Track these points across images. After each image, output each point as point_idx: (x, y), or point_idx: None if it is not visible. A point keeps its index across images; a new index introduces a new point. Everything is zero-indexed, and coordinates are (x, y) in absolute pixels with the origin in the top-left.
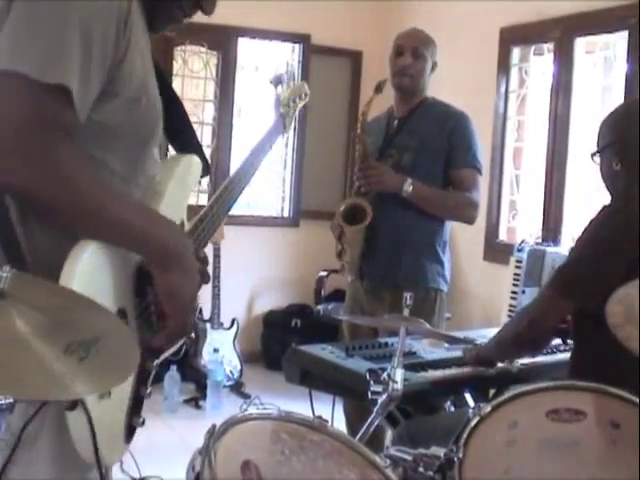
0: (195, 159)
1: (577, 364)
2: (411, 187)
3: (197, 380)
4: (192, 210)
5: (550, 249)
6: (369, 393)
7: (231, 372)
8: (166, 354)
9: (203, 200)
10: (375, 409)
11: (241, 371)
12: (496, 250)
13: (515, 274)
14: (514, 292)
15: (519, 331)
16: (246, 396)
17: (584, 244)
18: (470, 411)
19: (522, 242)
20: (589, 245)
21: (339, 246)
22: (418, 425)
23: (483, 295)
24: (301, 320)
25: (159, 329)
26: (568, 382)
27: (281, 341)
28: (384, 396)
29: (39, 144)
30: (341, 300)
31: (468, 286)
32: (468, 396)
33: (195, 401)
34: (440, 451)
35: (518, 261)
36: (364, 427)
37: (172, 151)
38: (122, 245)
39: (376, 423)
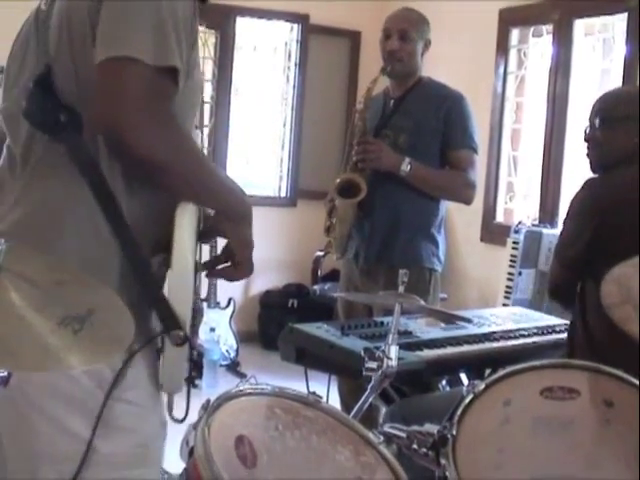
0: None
1: (576, 338)
2: (409, 166)
3: (192, 358)
4: None
5: (547, 231)
6: (363, 370)
7: (227, 351)
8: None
9: None
10: (369, 386)
11: (237, 350)
12: (493, 231)
13: (512, 255)
14: (510, 273)
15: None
16: (242, 375)
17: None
18: (464, 389)
19: (519, 224)
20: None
21: (328, 221)
22: (412, 404)
23: (480, 276)
24: (298, 300)
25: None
26: (562, 360)
27: (278, 321)
28: (378, 373)
29: (160, 115)
30: (337, 280)
31: (465, 267)
32: (463, 376)
33: (191, 380)
34: (434, 428)
35: (515, 242)
36: (358, 404)
37: None
38: (209, 204)
39: (370, 400)
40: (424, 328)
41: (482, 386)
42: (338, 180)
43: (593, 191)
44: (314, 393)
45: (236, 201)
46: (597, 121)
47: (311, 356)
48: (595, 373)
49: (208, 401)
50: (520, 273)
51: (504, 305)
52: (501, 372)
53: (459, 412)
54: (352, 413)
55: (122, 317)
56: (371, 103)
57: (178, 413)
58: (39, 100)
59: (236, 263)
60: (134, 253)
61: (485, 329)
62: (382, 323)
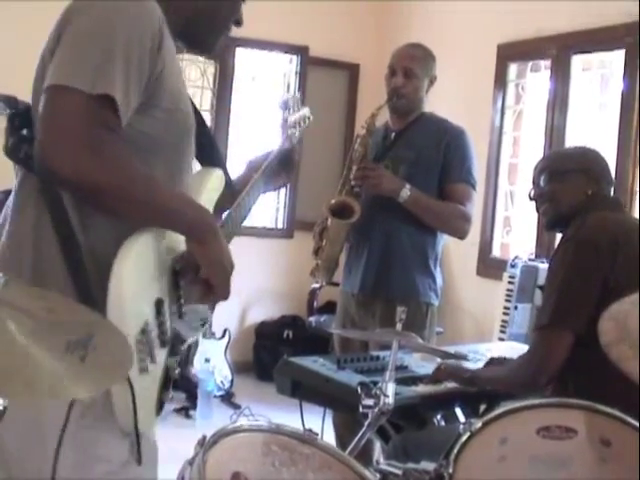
0: (220, 173)
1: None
2: (409, 193)
3: (188, 389)
4: None
5: (543, 265)
6: (360, 407)
7: (222, 382)
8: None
9: None
10: (366, 423)
11: (232, 381)
12: (489, 265)
13: (508, 290)
14: (507, 308)
15: (523, 374)
16: (236, 406)
17: (557, 277)
18: (461, 426)
19: (515, 258)
20: (561, 275)
21: (318, 243)
22: (412, 439)
23: (476, 310)
24: (293, 331)
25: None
26: (559, 399)
27: (273, 352)
28: (375, 410)
29: (96, 141)
30: (333, 312)
31: (461, 301)
32: (458, 411)
33: (185, 410)
34: (430, 466)
35: (511, 277)
36: (355, 440)
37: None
38: (164, 225)
39: (367, 437)
40: (419, 363)
41: (479, 424)
42: (332, 201)
43: (586, 241)
44: (310, 430)
45: (195, 218)
46: (543, 177)
47: (306, 389)
48: (592, 412)
49: (204, 437)
50: (516, 307)
51: (500, 339)
52: (498, 410)
53: (456, 450)
54: (348, 449)
55: (119, 340)
56: (372, 134)
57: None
58: (12, 134)
59: (212, 286)
60: (86, 294)
61: (481, 365)
62: (378, 357)
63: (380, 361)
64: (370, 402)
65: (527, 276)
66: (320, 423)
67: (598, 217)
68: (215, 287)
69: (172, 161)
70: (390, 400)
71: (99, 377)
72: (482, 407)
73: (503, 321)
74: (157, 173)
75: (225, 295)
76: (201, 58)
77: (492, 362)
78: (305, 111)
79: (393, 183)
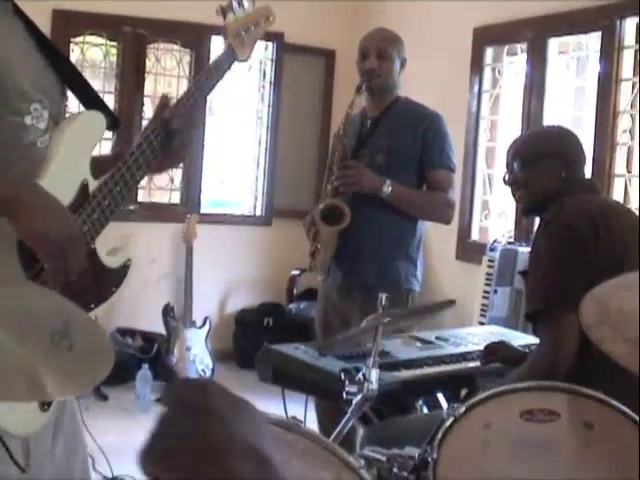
0: (93, 114)
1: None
2: (390, 188)
3: (169, 379)
4: None
5: (522, 249)
6: (344, 393)
7: (203, 371)
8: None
9: None
10: (350, 409)
11: (213, 370)
12: (468, 249)
13: (487, 274)
14: (486, 291)
15: (544, 365)
16: None
17: (544, 263)
18: (444, 411)
19: (494, 242)
20: (547, 261)
21: (313, 246)
22: (390, 426)
23: (455, 294)
24: (273, 319)
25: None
26: (542, 382)
27: (253, 340)
28: (359, 396)
29: None
30: (313, 299)
31: (440, 285)
32: (440, 396)
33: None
34: (414, 451)
35: (490, 260)
36: (338, 427)
37: None
38: None
39: (350, 424)
40: (401, 348)
41: (462, 409)
42: (321, 206)
43: (567, 225)
44: (294, 417)
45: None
46: (516, 163)
47: (288, 377)
48: (575, 395)
49: None
50: (496, 291)
51: (480, 323)
52: (481, 395)
53: (439, 435)
54: (332, 436)
55: (91, 325)
56: (349, 123)
57: None
58: None
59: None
60: None
61: (462, 349)
62: (359, 343)
63: (362, 347)
64: (354, 389)
65: (506, 260)
66: (302, 410)
67: (576, 201)
68: (44, 261)
69: None
70: (374, 386)
71: (93, 364)
72: (463, 392)
73: (483, 305)
74: None
75: (56, 270)
76: (176, 47)
77: (489, 349)
78: (256, 12)
79: (374, 180)
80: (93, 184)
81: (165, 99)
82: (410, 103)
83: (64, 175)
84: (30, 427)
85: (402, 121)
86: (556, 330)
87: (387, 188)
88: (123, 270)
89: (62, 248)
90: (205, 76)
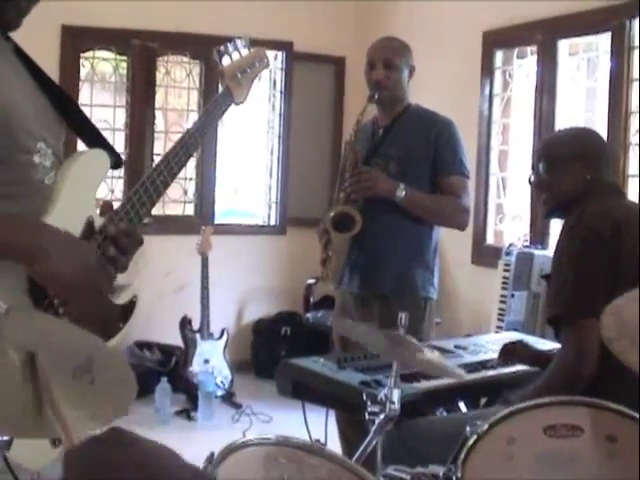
0: (97, 152)
1: None
2: (404, 192)
3: (188, 391)
4: None
5: (538, 252)
6: (366, 414)
7: (222, 382)
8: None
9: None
10: (372, 429)
11: (232, 381)
12: (484, 254)
13: (504, 277)
14: (503, 296)
15: (566, 372)
16: (237, 406)
17: (566, 267)
18: (467, 429)
19: (510, 245)
20: (570, 265)
21: (324, 254)
22: (410, 430)
23: (472, 299)
24: (290, 328)
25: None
26: (564, 398)
27: (271, 349)
28: (381, 416)
29: None
30: (330, 307)
31: (457, 290)
32: (462, 404)
33: (187, 412)
34: (439, 470)
35: (506, 264)
36: (361, 448)
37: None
38: None
39: (373, 444)
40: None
41: (485, 426)
42: (332, 214)
43: (590, 228)
44: (318, 440)
45: (11, 246)
46: (541, 165)
47: (308, 390)
48: (597, 409)
49: (212, 454)
50: (513, 295)
51: (498, 327)
52: (503, 412)
53: (463, 453)
54: (355, 456)
55: (116, 357)
56: (360, 132)
57: None
58: None
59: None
60: None
61: (481, 356)
62: (378, 355)
63: (380, 359)
64: (376, 409)
65: (523, 263)
66: (323, 420)
67: (599, 204)
68: (68, 302)
69: None
70: (396, 406)
71: (112, 400)
72: (483, 400)
73: (500, 309)
74: None
75: (82, 307)
76: (186, 59)
77: (506, 349)
78: (252, 55)
79: (387, 184)
80: (98, 221)
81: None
82: (421, 110)
83: (70, 212)
84: (41, 462)
85: (413, 129)
86: (579, 334)
87: (401, 192)
88: (130, 306)
89: (82, 283)
90: (204, 118)
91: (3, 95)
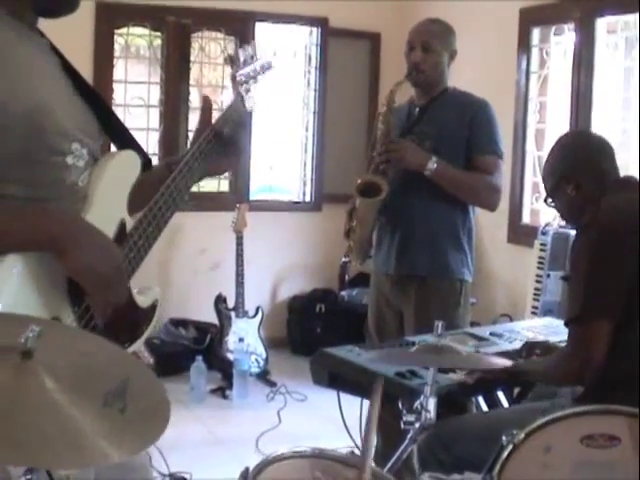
0: (129, 154)
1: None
2: (435, 165)
3: (223, 369)
4: None
5: (574, 232)
6: (402, 423)
7: (256, 360)
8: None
9: None
10: (408, 437)
11: (266, 359)
12: (520, 233)
13: (540, 257)
14: (539, 275)
15: (567, 370)
16: (272, 384)
17: (582, 267)
18: (503, 439)
19: (546, 225)
20: (586, 265)
21: (348, 224)
22: (449, 427)
23: (508, 278)
24: (325, 305)
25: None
26: (602, 407)
27: (305, 327)
28: (417, 425)
29: None
30: (365, 285)
31: (492, 270)
32: (500, 394)
33: (222, 391)
34: (474, 477)
35: (542, 244)
36: (396, 455)
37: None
38: (9, 250)
39: (409, 451)
40: (455, 347)
41: (522, 435)
42: (359, 181)
43: (604, 228)
44: (352, 452)
45: (45, 232)
46: (545, 189)
47: (343, 380)
48: (635, 418)
49: (247, 469)
50: (549, 275)
51: (533, 308)
52: (540, 420)
53: (499, 463)
54: (389, 464)
55: (154, 383)
56: (396, 112)
57: None
58: None
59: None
60: None
61: (517, 344)
62: (414, 343)
63: (416, 347)
64: (412, 418)
65: (559, 243)
66: (357, 400)
67: (614, 201)
68: (89, 295)
69: (26, 172)
70: (432, 415)
71: (141, 430)
72: (516, 391)
73: (536, 289)
74: (10, 191)
75: (103, 303)
76: (220, 35)
77: (529, 346)
78: (260, 62)
79: (418, 156)
80: (130, 223)
81: (207, 102)
82: (458, 92)
83: (104, 214)
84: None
85: (450, 109)
86: (584, 335)
87: (432, 165)
88: (152, 310)
89: (109, 281)
90: (222, 121)
91: (38, 95)
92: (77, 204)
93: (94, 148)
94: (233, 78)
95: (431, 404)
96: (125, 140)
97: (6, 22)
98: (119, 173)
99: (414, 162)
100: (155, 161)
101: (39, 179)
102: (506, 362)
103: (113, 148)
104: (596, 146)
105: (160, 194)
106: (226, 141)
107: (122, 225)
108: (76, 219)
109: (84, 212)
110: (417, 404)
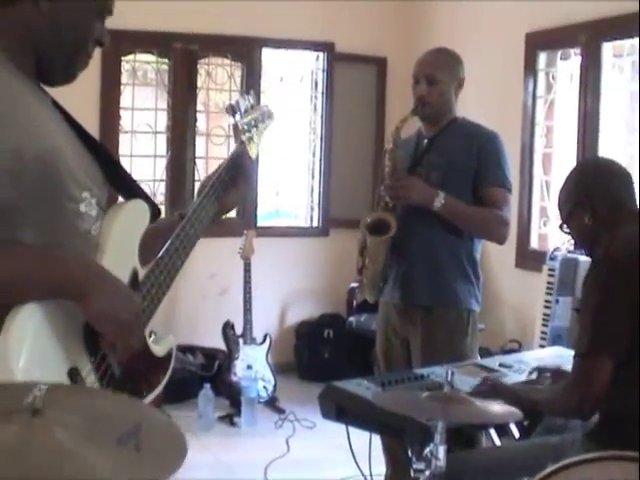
0: (138, 203)
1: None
2: (443, 201)
3: (231, 396)
4: None
5: (583, 257)
6: (412, 471)
7: (265, 387)
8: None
9: None
10: None
11: (275, 386)
12: (528, 257)
13: (548, 282)
14: (547, 301)
15: (568, 403)
16: (281, 411)
17: (592, 301)
18: None
19: (555, 250)
20: (595, 299)
21: (360, 262)
22: (457, 462)
23: (516, 303)
24: (333, 330)
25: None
26: (615, 453)
27: (314, 352)
28: (427, 473)
29: None
30: (373, 311)
31: (500, 294)
32: (512, 427)
33: (230, 418)
34: None
35: (551, 269)
36: None
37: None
38: (30, 297)
39: None
40: (464, 379)
41: None
42: (368, 219)
43: (615, 263)
44: None
45: (64, 278)
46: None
47: (351, 414)
48: None
49: None
50: (557, 301)
51: (542, 333)
52: (553, 467)
53: None
54: None
55: (168, 425)
56: (404, 144)
57: None
58: None
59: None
60: None
61: (525, 375)
62: (422, 376)
63: (424, 380)
64: (421, 466)
65: (567, 268)
66: (366, 439)
67: (626, 233)
68: (109, 340)
69: (42, 220)
70: (442, 463)
71: (160, 462)
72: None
73: (545, 315)
74: (27, 240)
75: (122, 349)
76: (227, 61)
77: (539, 371)
78: (261, 110)
79: (425, 193)
80: (141, 272)
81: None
82: (467, 123)
83: (117, 262)
84: None
85: (458, 140)
86: (587, 369)
87: (440, 201)
88: (168, 358)
89: (130, 326)
90: (225, 169)
91: (51, 140)
92: (90, 253)
93: (102, 199)
94: (235, 127)
95: (441, 452)
96: (132, 190)
97: (14, 74)
98: (129, 222)
99: (421, 199)
100: (162, 188)
101: (55, 225)
102: (515, 412)
103: (120, 199)
104: (614, 174)
105: (170, 242)
106: (230, 189)
107: (134, 274)
108: (95, 265)
109: (97, 260)
110: (427, 452)
